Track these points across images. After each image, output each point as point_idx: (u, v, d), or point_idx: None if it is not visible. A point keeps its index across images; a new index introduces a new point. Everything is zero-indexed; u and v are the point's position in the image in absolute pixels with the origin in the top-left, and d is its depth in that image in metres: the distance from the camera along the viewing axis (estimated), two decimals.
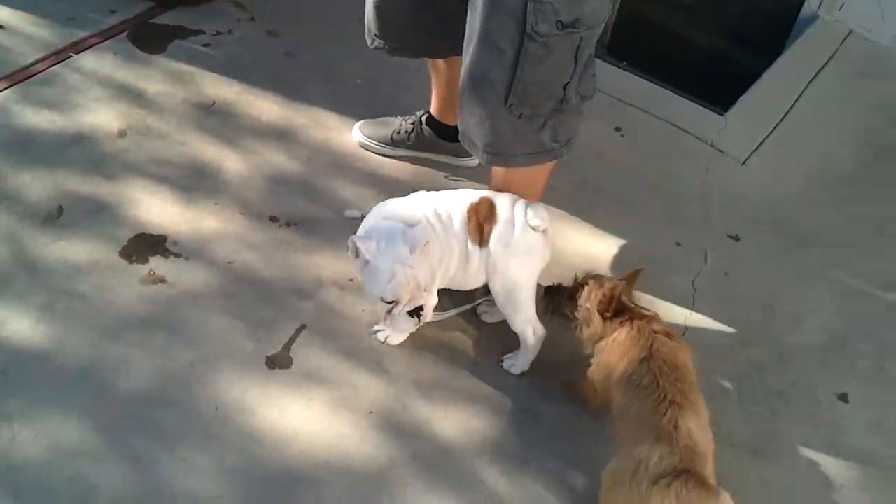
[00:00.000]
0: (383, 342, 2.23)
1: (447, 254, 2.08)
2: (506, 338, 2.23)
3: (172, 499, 1.88)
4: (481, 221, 2.08)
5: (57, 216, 2.40)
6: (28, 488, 1.86)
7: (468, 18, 1.96)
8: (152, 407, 2.04)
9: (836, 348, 2.41)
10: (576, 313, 2.06)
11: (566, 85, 1.94)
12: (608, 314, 2.00)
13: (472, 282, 2.16)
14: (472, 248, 2.08)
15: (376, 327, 2.24)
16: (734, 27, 3.78)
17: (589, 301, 2.02)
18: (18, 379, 2.04)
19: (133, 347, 2.14)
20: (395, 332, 2.19)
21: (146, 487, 1.89)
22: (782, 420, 2.22)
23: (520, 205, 2.10)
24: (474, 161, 2.70)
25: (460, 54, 2.28)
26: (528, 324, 2.14)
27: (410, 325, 2.10)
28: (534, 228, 2.06)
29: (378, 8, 2.25)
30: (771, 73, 3.26)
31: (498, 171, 2.19)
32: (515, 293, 2.11)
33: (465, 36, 1.98)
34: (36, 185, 2.48)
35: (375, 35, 2.31)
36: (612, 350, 1.97)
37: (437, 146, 2.70)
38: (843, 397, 2.30)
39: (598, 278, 2.07)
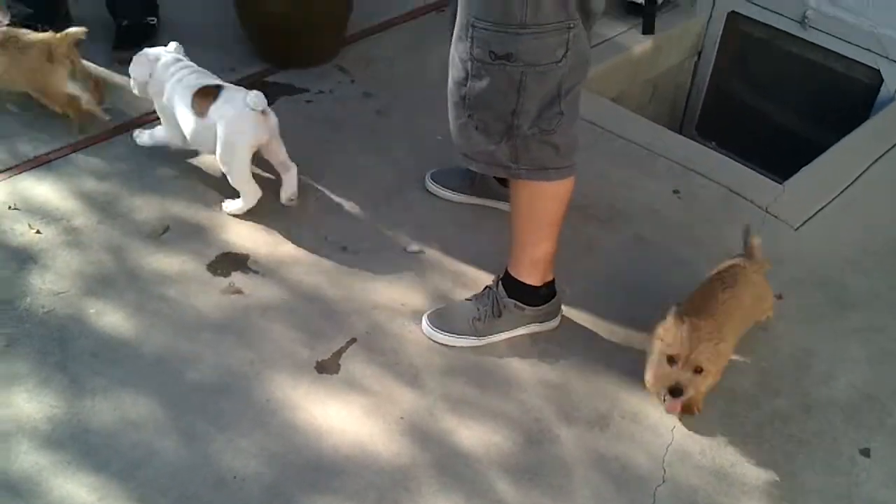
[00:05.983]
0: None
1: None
2: (539, 368, 2.44)
3: (216, 471, 2.16)
4: (203, 98, 2.72)
5: (160, 234, 2.79)
6: (98, 447, 2.19)
7: None
8: (213, 395, 2.33)
9: (864, 406, 2.45)
10: None
11: (513, 112, 2.07)
12: None
13: (209, 144, 2.77)
14: (194, 115, 2.74)
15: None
16: (814, 107, 3.90)
17: None
18: (106, 360, 2.39)
19: (205, 345, 2.46)
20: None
21: (195, 460, 2.18)
22: (799, 467, 2.29)
23: (243, 92, 2.71)
24: None
25: None
26: (242, 184, 2.80)
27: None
28: (252, 108, 2.65)
29: None
30: (837, 148, 3.34)
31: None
32: (229, 158, 2.74)
33: None
34: (146, 207, 2.89)
35: None
36: None
37: (497, 193, 2.93)
38: (866, 452, 2.34)
39: None
